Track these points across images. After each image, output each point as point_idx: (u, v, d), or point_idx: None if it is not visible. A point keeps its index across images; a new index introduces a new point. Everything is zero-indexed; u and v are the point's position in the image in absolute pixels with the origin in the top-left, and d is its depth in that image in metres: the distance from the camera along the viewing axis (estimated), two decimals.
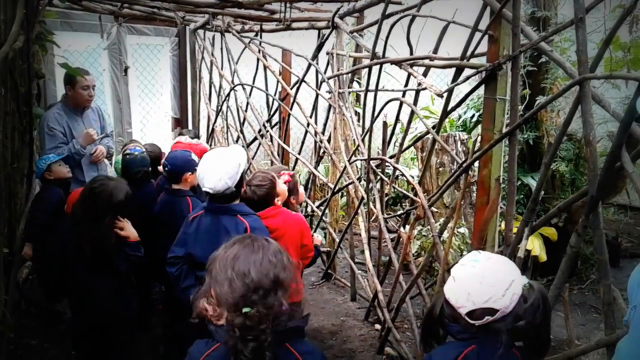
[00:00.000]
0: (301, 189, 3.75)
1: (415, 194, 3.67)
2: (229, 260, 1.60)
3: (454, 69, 3.24)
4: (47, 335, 4.07)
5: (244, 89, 6.16)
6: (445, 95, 3.24)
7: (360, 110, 4.70)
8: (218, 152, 3.03)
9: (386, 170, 4.31)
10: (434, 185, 5.49)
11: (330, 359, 4.05)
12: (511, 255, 2.70)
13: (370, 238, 4.62)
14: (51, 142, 4.33)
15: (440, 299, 1.86)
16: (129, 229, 3.09)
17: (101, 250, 2.99)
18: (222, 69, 6.56)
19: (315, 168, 5.69)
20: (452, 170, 5.18)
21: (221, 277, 1.58)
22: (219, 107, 6.61)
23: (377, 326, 4.42)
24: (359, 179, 4.70)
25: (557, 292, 2.50)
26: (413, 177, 4.07)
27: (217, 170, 2.80)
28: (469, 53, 3.02)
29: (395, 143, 5.78)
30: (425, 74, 3.59)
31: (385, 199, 4.45)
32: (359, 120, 4.92)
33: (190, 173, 3.68)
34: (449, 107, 3.46)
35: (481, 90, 3.06)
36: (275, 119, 6.49)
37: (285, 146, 6.00)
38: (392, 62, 3.78)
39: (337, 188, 5.12)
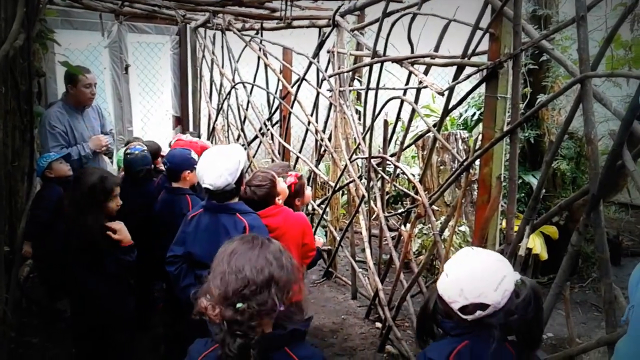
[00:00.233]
0: (308, 190, 3.72)
1: (416, 193, 3.67)
2: (226, 255, 1.62)
3: (455, 67, 3.24)
4: (48, 333, 4.08)
5: (244, 87, 6.16)
6: (446, 93, 3.24)
7: (361, 109, 4.70)
8: (218, 149, 3.03)
9: (387, 169, 4.32)
10: (434, 184, 5.49)
11: (331, 357, 4.05)
12: (512, 254, 2.70)
13: (371, 236, 4.62)
14: (53, 140, 4.34)
15: (433, 295, 1.87)
16: (122, 233, 3.04)
17: (89, 245, 2.97)
18: (222, 67, 6.56)
19: (316, 166, 5.69)
20: (453, 169, 5.18)
21: (217, 271, 1.59)
22: (220, 106, 6.61)
23: (378, 324, 4.42)
24: (360, 178, 4.70)
25: (558, 291, 2.50)
26: (414, 176, 4.08)
27: (217, 166, 2.80)
28: (470, 51, 3.02)
29: (396, 141, 5.79)
30: (426, 72, 3.59)
31: (386, 197, 4.45)
32: (359, 119, 4.92)
33: (189, 171, 3.68)
34: (450, 106, 3.46)
35: (482, 89, 3.06)
36: (276, 117, 6.49)
37: (286, 144, 6.00)
38: (393, 61, 3.77)
39: (337, 186, 5.12)
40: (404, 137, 4.20)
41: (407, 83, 3.99)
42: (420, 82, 3.51)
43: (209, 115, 6.99)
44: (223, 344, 1.51)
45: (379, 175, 4.25)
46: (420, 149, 5.92)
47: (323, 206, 5.50)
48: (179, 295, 2.96)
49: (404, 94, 4.01)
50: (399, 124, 4.68)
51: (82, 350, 3.32)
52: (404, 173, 4.00)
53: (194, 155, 3.73)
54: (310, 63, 5.24)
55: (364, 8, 4.96)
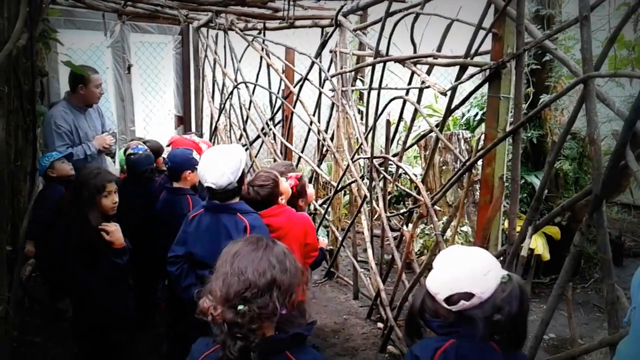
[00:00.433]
0: (310, 189, 3.71)
1: (418, 193, 3.67)
2: (230, 256, 1.62)
3: (457, 67, 3.24)
4: (50, 332, 4.08)
5: (247, 87, 6.16)
6: (448, 93, 3.24)
7: (363, 109, 4.70)
8: (219, 148, 3.03)
9: (389, 169, 4.30)
10: (437, 184, 5.48)
11: (332, 357, 4.05)
12: (514, 254, 2.70)
13: (373, 236, 4.61)
14: (59, 139, 4.38)
15: (421, 292, 1.89)
16: (114, 235, 3.00)
17: (87, 245, 2.97)
18: (225, 67, 6.56)
19: (318, 166, 5.69)
20: (455, 169, 5.18)
21: (220, 272, 1.59)
22: (222, 105, 6.62)
23: (380, 324, 4.42)
24: (362, 178, 4.70)
25: (561, 291, 2.49)
26: (416, 176, 4.07)
27: (220, 165, 2.80)
28: (472, 51, 3.02)
29: (398, 141, 5.78)
30: (428, 72, 3.59)
31: (388, 197, 4.44)
32: (362, 119, 4.91)
33: (190, 171, 3.68)
34: (453, 106, 3.45)
35: (485, 89, 3.06)
36: (279, 117, 6.49)
37: (288, 144, 6.00)
38: (396, 60, 3.77)
39: (340, 186, 5.12)
40: (407, 137, 4.19)
41: (409, 83, 3.99)
42: (423, 82, 3.51)
43: (212, 115, 7.00)
44: (224, 345, 1.51)
45: (381, 175, 4.24)
46: (423, 149, 5.91)
47: (325, 206, 5.50)
48: (180, 295, 2.96)
49: (407, 94, 4.01)
50: (402, 124, 4.68)
51: (83, 349, 3.32)
52: (406, 173, 4.00)
53: (195, 155, 3.73)
54: (313, 63, 5.24)
55: (366, 8, 4.96)
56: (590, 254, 5.27)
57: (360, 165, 4.83)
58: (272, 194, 3.14)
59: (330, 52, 5.18)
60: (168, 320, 4.00)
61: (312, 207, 5.73)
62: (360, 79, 6.66)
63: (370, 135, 4.34)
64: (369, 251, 4.46)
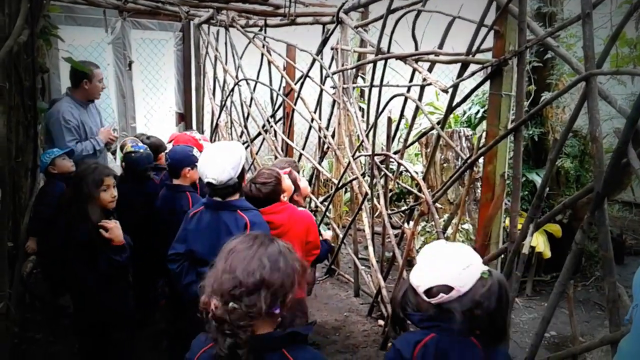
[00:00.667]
0: (304, 183, 3.68)
1: (420, 190, 3.67)
2: (225, 253, 1.62)
3: (459, 65, 3.23)
4: (51, 329, 4.09)
5: (248, 84, 6.16)
6: (450, 90, 3.23)
7: (364, 106, 4.69)
8: (219, 144, 3.04)
9: (390, 166, 4.30)
10: (438, 181, 5.48)
11: (333, 355, 4.06)
12: (515, 252, 2.70)
13: (374, 234, 4.61)
14: (69, 134, 4.42)
15: (404, 284, 1.91)
16: (114, 232, 2.98)
17: (87, 241, 2.96)
18: (226, 63, 6.55)
19: (319, 163, 5.68)
20: (457, 166, 5.17)
21: (216, 267, 1.60)
22: (223, 102, 6.61)
23: (381, 322, 4.42)
24: (363, 175, 4.69)
25: (562, 289, 2.49)
26: (417, 173, 4.06)
27: (220, 161, 2.80)
28: (474, 48, 3.01)
29: (399, 139, 5.77)
30: (430, 70, 3.58)
31: (389, 194, 4.44)
32: (363, 116, 4.91)
33: (189, 168, 3.67)
34: (454, 103, 3.45)
35: (486, 86, 3.05)
36: (279, 114, 6.48)
37: (289, 141, 6.00)
38: (397, 58, 3.76)
39: (341, 184, 5.12)
40: (408, 134, 4.19)
41: (411, 80, 3.99)
42: (424, 80, 3.50)
43: (212, 112, 6.99)
44: (216, 342, 1.53)
45: (382, 173, 4.24)
46: (424, 146, 5.90)
47: (326, 203, 5.50)
48: (180, 292, 2.96)
49: (408, 91, 4.00)
50: (403, 121, 4.67)
51: (84, 346, 3.32)
52: (407, 170, 3.99)
53: (195, 152, 3.72)
54: (314, 60, 5.23)
55: (368, 5, 4.95)
56: (591, 251, 5.26)
57: (361, 162, 4.83)
58: (274, 191, 3.14)
59: (332, 49, 5.17)
60: (168, 318, 4.01)
61: (313, 205, 5.73)
62: (362, 76, 6.66)
63: (371, 133, 4.34)
64: (370, 248, 4.46)
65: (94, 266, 3.00)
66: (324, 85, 5.31)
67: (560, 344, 4.24)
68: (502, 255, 2.93)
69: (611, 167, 2.20)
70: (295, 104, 5.66)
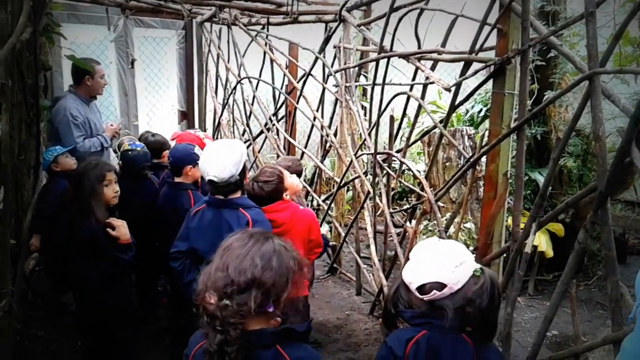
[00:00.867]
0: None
1: (422, 189, 3.66)
2: (221, 249, 1.64)
3: (462, 63, 3.22)
4: (54, 326, 4.10)
5: (250, 82, 6.16)
6: (452, 89, 3.23)
7: (367, 104, 4.68)
8: (220, 142, 3.04)
9: (393, 165, 4.30)
10: (440, 180, 5.47)
11: (335, 353, 4.06)
12: (518, 251, 2.69)
13: (376, 232, 4.62)
14: (77, 130, 4.46)
15: (397, 281, 1.92)
16: (120, 230, 2.99)
17: (90, 240, 2.97)
18: (228, 62, 6.55)
19: (322, 162, 5.68)
20: (459, 165, 5.16)
21: (212, 264, 1.61)
22: (226, 101, 6.61)
23: None
24: (365, 173, 4.69)
25: (564, 288, 2.49)
26: (420, 172, 4.06)
27: (221, 158, 2.81)
28: (477, 47, 3.00)
29: (402, 137, 5.77)
30: (433, 68, 3.58)
31: (392, 193, 4.43)
32: (365, 114, 4.90)
33: (191, 166, 3.67)
34: (457, 102, 3.44)
35: (489, 85, 3.04)
36: (282, 112, 6.48)
37: (291, 140, 6.00)
38: (400, 56, 3.76)
39: (343, 182, 5.12)
40: (410, 133, 4.19)
41: (413, 79, 3.98)
42: (427, 78, 3.49)
43: (215, 110, 6.99)
44: (207, 337, 1.54)
45: (385, 171, 4.24)
46: (426, 145, 5.89)
47: (328, 202, 5.50)
48: (182, 290, 2.96)
49: (411, 89, 4.00)
50: (405, 119, 4.67)
51: (86, 344, 3.32)
52: (409, 169, 3.99)
53: (197, 150, 3.72)
54: (317, 58, 5.23)
55: (370, 3, 4.94)
56: (593, 251, 5.26)
57: (363, 161, 4.83)
58: (276, 189, 3.14)
59: (334, 47, 5.16)
60: (170, 316, 4.02)
61: (315, 203, 5.73)
62: (364, 75, 6.66)
63: (373, 131, 4.34)
64: (372, 247, 4.46)
65: (96, 264, 2.99)
66: (326, 83, 5.31)
67: (562, 343, 4.24)
68: (505, 254, 2.92)
69: (614, 166, 2.19)
70: (297, 103, 5.66)
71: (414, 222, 3.92)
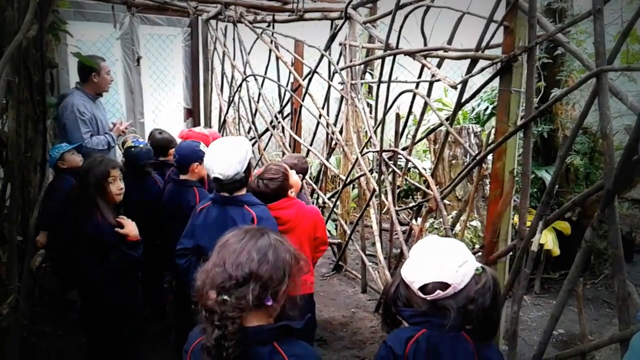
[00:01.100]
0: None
1: (428, 187, 3.65)
2: (218, 246, 1.65)
3: (468, 61, 3.21)
4: (60, 323, 4.11)
5: (255, 79, 6.15)
6: (459, 87, 3.21)
7: (372, 102, 4.68)
8: (224, 140, 3.04)
9: (398, 162, 4.29)
10: (446, 178, 5.46)
11: (340, 350, 4.06)
12: (524, 249, 2.68)
13: (382, 230, 4.60)
14: (84, 126, 4.48)
15: (397, 279, 1.90)
16: (128, 227, 3.03)
17: (97, 237, 2.98)
18: (234, 59, 6.55)
19: (327, 159, 5.68)
20: (465, 163, 5.15)
21: (209, 260, 1.63)
22: (231, 98, 6.61)
23: None
24: (371, 171, 4.69)
25: (571, 287, 2.48)
26: (425, 170, 4.05)
27: (227, 156, 2.81)
28: (483, 44, 2.99)
29: (407, 135, 5.76)
30: (439, 66, 3.57)
31: (397, 191, 4.43)
32: (371, 112, 4.89)
33: (197, 164, 3.67)
34: (463, 99, 3.43)
35: (495, 83, 3.03)
36: (287, 110, 6.48)
37: (297, 137, 5.99)
38: (406, 53, 3.74)
39: (348, 180, 5.11)
40: (416, 130, 4.18)
41: (419, 76, 3.97)
42: (433, 76, 3.48)
43: (220, 108, 7.00)
44: (205, 333, 1.54)
45: (390, 169, 4.23)
46: (432, 142, 5.88)
47: (334, 199, 5.49)
48: (188, 287, 2.96)
49: (417, 87, 3.99)
50: (411, 117, 4.66)
51: (92, 341, 3.34)
52: (415, 167, 3.98)
53: (202, 147, 3.72)
54: (322, 56, 5.22)
55: (376, 0, 4.93)
56: (600, 249, 5.24)
57: (369, 158, 4.83)
58: (281, 187, 3.14)
59: (340, 44, 5.16)
60: (176, 313, 4.03)
61: (320, 201, 5.72)
62: (370, 72, 6.65)
63: (379, 129, 4.33)
64: (378, 245, 4.45)
65: (102, 262, 3.01)
66: (332, 81, 5.30)
67: (569, 342, 4.23)
68: (511, 253, 2.91)
69: (622, 164, 2.18)
70: (303, 100, 5.65)
71: (419, 219, 3.91)
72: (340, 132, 5.21)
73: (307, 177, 4.78)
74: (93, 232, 2.97)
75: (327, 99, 5.53)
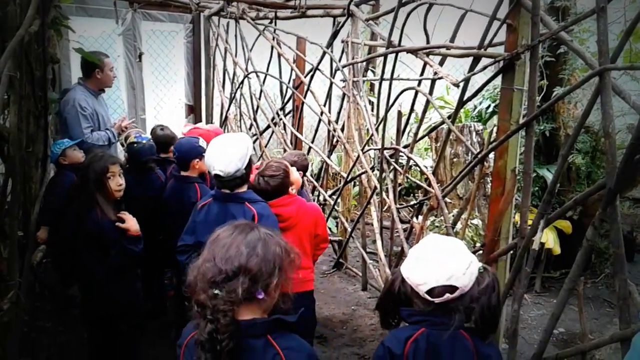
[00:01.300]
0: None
1: (429, 185, 3.65)
2: (210, 241, 1.67)
3: (470, 59, 3.21)
4: (61, 319, 4.11)
5: (257, 76, 6.15)
6: (461, 85, 3.21)
7: (374, 100, 4.67)
8: (225, 136, 3.04)
9: (400, 160, 4.29)
10: (447, 176, 5.46)
11: (340, 348, 4.06)
12: (525, 248, 2.68)
13: (383, 228, 4.60)
14: (85, 121, 4.49)
15: (396, 281, 1.90)
16: (129, 222, 3.04)
17: (97, 233, 2.98)
18: (236, 56, 6.55)
19: (329, 157, 5.68)
20: (467, 161, 5.14)
21: (201, 256, 1.66)
22: (233, 95, 6.61)
23: None
24: (372, 169, 4.68)
25: (572, 286, 2.47)
26: (427, 168, 4.04)
27: (227, 153, 2.81)
28: (486, 42, 2.98)
29: (409, 133, 5.75)
30: (441, 63, 3.55)
31: (399, 189, 4.42)
32: (373, 110, 4.89)
33: (197, 160, 3.67)
34: (465, 97, 3.42)
35: (497, 81, 3.02)
36: (289, 107, 6.47)
37: (298, 135, 5.99)
38: (408, 51, 3.73)
39: (349, 177, 5.11)
40: (418, 128, 4.17)
41: (421, 74, 3.96)
42: (435, 73, 3.48)
43: (222, 104, 6.99)
44: (198, 327, 1.56)
45: (392, 167, 4.22)
46: (434, 140, 5.88)
47: (335, 197, 5.49)
48: None
49: (419, 85, 3.98)
50: (413, 115, 4.65)
51: (93, 337, 3.34)
52: (416, 165, 3.97)
53: (202, 143, 3.72)
54: (324, 53, 5.21)
55: None
56: (601, 248, 5.24)
57: (370, 156, 4.82)
58: (282, 184, 3.13)
59: (342, 42, 5.15)
60: (176, 309, 4.03)
61: (321, 198, 5.72)
62: (372, 70, 6.63)
63: (381, 127, 4.32)
64: (378, 242, 4.45)
65: (102, 258, 3.01)
66: (334, 78, 5.30)
67: (569, 341, 4.23)
68: (512, 251, 2.91)
69: (624, 163, 2.17)
70: (304, 97, 5.65)
71: (420, 217, 3.91)
72: (342, 129, 5.20)
73: (308, 174, 4.78)
74: (93, 227, 2.97)
75: (328, 96, 5.53)
